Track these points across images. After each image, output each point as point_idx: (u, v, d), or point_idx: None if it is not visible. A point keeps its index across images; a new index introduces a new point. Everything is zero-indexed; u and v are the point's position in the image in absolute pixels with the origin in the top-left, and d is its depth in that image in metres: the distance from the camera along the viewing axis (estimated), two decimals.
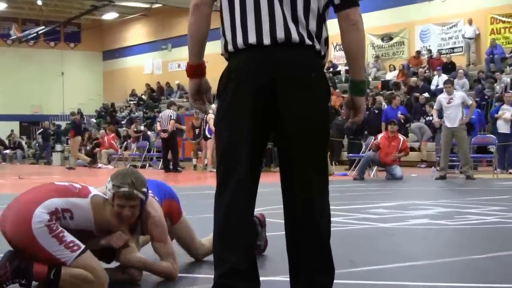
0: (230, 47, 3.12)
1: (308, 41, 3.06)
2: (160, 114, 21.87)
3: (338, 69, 29.23)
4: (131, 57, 41.24)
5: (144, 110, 35.03)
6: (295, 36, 3.04)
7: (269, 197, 5.74)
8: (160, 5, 35.20)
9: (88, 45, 42.73)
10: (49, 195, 3.93)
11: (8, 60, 39.72)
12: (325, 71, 3.25)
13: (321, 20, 3.11)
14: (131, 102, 37.50)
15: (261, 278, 3.14)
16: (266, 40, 3.05)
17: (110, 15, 40.11)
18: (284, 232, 3.12)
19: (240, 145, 3.06)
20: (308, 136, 3.06)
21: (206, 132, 20.12)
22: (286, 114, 3.04)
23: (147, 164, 24.59)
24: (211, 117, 20.14)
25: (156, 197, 4.46)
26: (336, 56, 29.81)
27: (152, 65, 39.78)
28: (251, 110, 3.04)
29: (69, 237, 3.85)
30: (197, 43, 3.18)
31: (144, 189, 4.10)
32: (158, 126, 21.58)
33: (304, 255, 3.10)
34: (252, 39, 3.06)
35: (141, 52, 40.45)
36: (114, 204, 4.02)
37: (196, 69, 3.22)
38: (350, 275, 4.33)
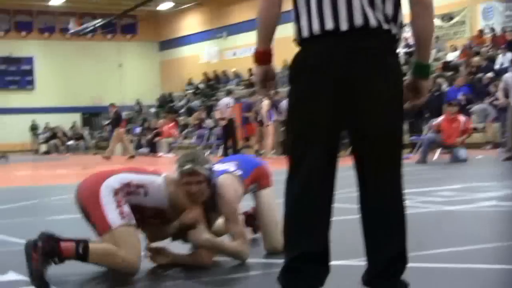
0: (305, 33, 3.06)
1: (385, 26, 3.02)
2: (219, 102, 22.02)
3: (412, 49, 28.67)
4: (187, 46, 41.43)
5: (202, 98, 35.21)
6: (372, 21, 2.99)
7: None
8: None
9: (145, 36, 43.07)
10: (124, 170, 4.16)
11: (68, 54, 40.34)
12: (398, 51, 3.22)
13: (397, 4, 3.06)
14: (188, 91, 37.73)
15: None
16: (344, 26, 3.00)
17: (165, 5, 40.34)
18: (354, 217, 3.15)
19: (315, 130, 3.04)
20: (384, 121, 3.03)
21: (265, 118, 20.13)
22: (363, 99, 3.00)
23: (208, 152, 24.75)
24: (265, 103, 20.20)
25: (240, 170, 4.55)
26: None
27: (208, 53, 39.89)
28: (327, 95, 3.01)
29: (127, 208, 3.97)
30: (266, 29, 3.15)
31: (208, 166, 4.19)
32: (217, 114, 21.71)
33: (380, 241, 3.11)
34: (329, 25, 3.00)
35: (197, 41, 40.59)
36: (183, 183, 4.12)
37: (264, 55, 3.19)
38: (418, 258, 4.29)
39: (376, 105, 3.01)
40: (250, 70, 34.48)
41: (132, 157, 22.55)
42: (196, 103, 34.05)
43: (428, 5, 3.08)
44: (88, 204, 4.01)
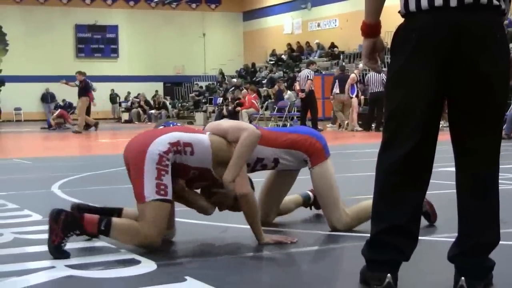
0: (412, 7, 3.00)
1: (495, 2, 2.97)
2: (299, 73, 21.78)
3: None
4: (271, 17, 41.16)
5: (284, 70, 34.95)
6: None
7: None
8: None
9: (229, 6, 42.99)
10: (172, 130, 4.10)
11: (152, 22, 40.61)
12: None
13: None
14: (271, 62, 37.51)
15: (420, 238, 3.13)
16: (453, 2, 2.94)
17: None
18: (444, 191, 2.98)
19: (415, 103, 2.99)
20: (488, 97, 2.99)
21: (349, 92, 20.04)
22: (467, 80, 2.97)
23: (288, 124, 24.51)
24: (352, 77, 20.08)
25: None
26: None
27: (291, 24, 39.54)
28: (431, 69, 2.97)
29: (167, 179, 3.90)
30: (375, 2, 3.11)
31: None
32: (296, 86, 21.47)
33: (476, 220, 3.05)
34: (438, 1, 2.95)
35: (280, 12, 40.29)
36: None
37: (372, 28, 3.14)
38: (505, 236, 4.04)
39: (480, 88, 2.97)
40: (332, 43, 34.06)
41: (78, 132, 21.73)
42: (278, 74, 33.81)
43: None
44: (132, 166, 3.97)
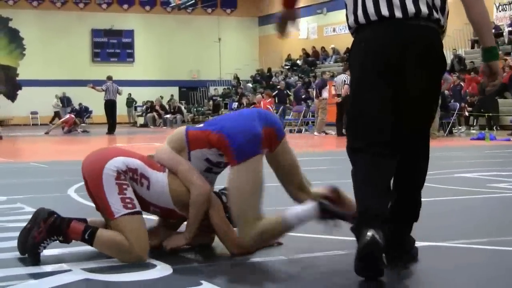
0: (361, 19, 3.45)
1: (435, 15, 3.40)
2: (335, 78, 21.80)
3: (500, 30, 27.69)
4: None
5: (300, 75, 34.93)
6: (424, 9, 3.36)
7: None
8: None
9: (244, 11, 43.03)
10: (136, 156, 3.94)
11: (167, 27, 40.72)
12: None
13: None
14: (286, 67, 37.48)
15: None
16: (398, 13, 3.36)
17: None
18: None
19: (369, 113, 3.44)
20: (420, 107, 3.51)
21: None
22: (408, 85, 3.41)
23: (303, 129, 24.51)
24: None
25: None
26: (499, 17, 28.25)
27: (307, 29, 39.52)
28: (379, 78, 3.40)
29: (130, 193, 3.80)
30: None
31: None
32: (332, 91, 21.38)
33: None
34: (384, 11, 3.37)
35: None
36: None
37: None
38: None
39: (417, 94, 3.45)
40: (348, 48, 33.98)
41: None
42: (294, 79, 33.78)
43: None
44: (91, 184, 3.88)
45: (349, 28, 3.55)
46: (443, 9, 3.44)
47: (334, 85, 20.99)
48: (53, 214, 3.82)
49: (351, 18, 3.51)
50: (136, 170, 3.86)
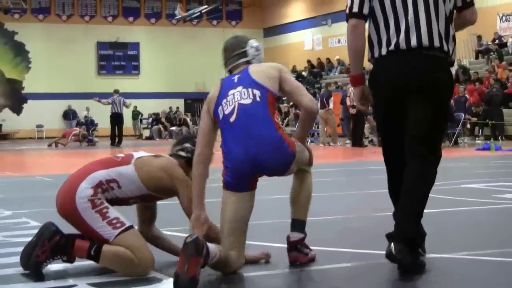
0: (376, 55, 3.95)
1: (437, 44, 3.76)
2: (350, 89, 21.80)
3: (504, 41, 27.65)
4: (291, 33, 41.22)
5: (305, 86, 34.93)
6: (425, 40, 3.75)
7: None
8: None
9: (249, 22, 43.11)
10: (94, 169, 3.96)
11: (173, 39, 40.79)
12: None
13: (449, 22, 3.82)
14: None
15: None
16: (402, 45, 3.79)
17: None
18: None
19: (388, 131, 4.04)
20: (427, 125, 3.82)
21: None
22: (412, 110, 3.82)
23: (309, 141, 24.48)
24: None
25: None
26: (502, 27, 28.22)
27: (312, 41, 39.58)
28: (387, 106, 3.95)
29: (113, 213, 3.84)
30: (356, 57, 3.98)
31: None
32: (347, 101, 21.37)
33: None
34: (390, 46, 3.83)
35: (301, 28, 40.33)
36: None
37: (358, 79, 4.08)
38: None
39: (423, 116, 3.82)
40: None
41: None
42: None
43: (471, 21, 4.04)
44: (74, 223, 3.91)
45: (368, 60, 4.06)
46: (447, 35, 3.85)
47: (349, 96, 20.90)
48: (58, 233, 3.81)
49: (369, 53, 4.04)
50: (100, 183, 3.91)
